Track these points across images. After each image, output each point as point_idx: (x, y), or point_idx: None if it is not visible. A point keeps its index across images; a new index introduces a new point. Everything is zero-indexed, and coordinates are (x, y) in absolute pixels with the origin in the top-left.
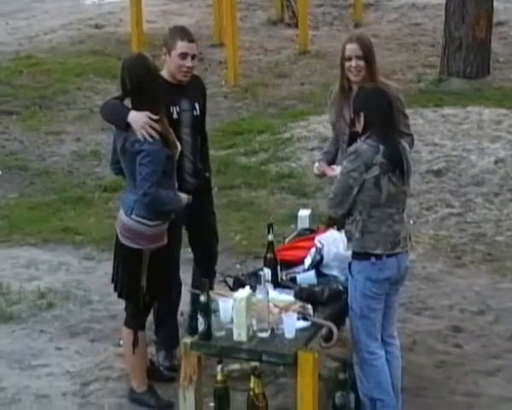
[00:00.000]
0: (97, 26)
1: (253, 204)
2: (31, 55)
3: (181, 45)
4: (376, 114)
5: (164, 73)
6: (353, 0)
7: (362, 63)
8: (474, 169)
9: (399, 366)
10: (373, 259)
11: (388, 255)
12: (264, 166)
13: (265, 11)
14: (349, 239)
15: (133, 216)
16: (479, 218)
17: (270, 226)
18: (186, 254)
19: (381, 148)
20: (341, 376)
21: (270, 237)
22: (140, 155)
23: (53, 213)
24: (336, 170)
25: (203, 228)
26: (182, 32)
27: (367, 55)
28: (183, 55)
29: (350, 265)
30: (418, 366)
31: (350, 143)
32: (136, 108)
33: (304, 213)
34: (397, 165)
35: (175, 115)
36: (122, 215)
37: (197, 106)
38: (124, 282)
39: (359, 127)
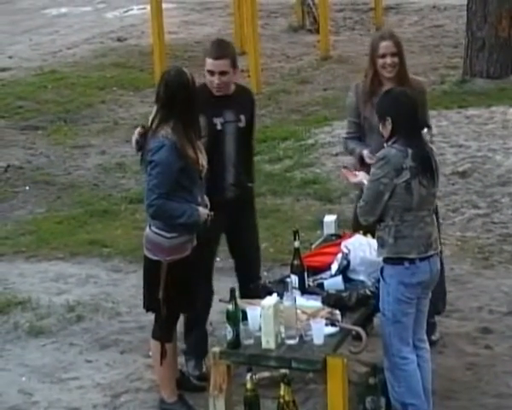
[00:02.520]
0: (119, 39)
1: (278, 211)
2: (55, 70)
3: (208, 62)
4: (403, 119)
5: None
6: (374, 4)
7: (396, 60)
8: (500, 169)
9: (430, 369)
10: (406, 263)
11: (421, 259)
12: (289, 172)
13: (286, 18)
14: (381, 245)
15: (153, 228)
16: (505, 218)
17: (296, 233)
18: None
19: (410, 151)
20: (371, 380)
21: (297, 243)
22: (150, 166)
23: (80, 226)
24: (359, 176)
25: (243, 238)
26: (211, 49)
27: (400, 51)
28: (210, 73)
29: (382, 270)
30: (448, 368)
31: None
32: (165, 118)
33: (329, 218)
34: (426, 167)
35: (219, 127)
36: (146, 228)
37: (243, 117)
38: (144, 294)
39: (385, 132)
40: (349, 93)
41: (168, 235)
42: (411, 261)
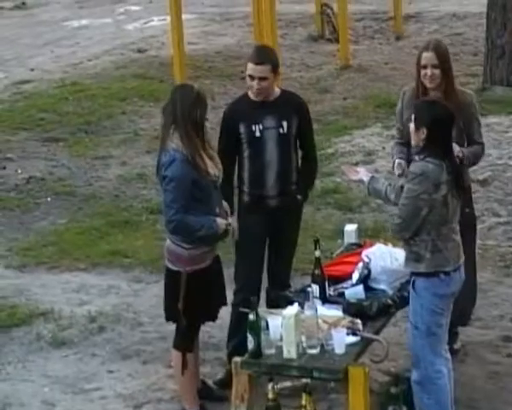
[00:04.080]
0: (140, 51)
1: None
2: (76, 82)
3: (249, 67)
4: (440, 131)
5: (250, 92)
6: (394, 12)
7: (437, 72)
8: None
9: (452, 378)
10: (442, 275)
11: (454, 270)
12: None
13: (306, 27)
14: (416, 260)
15: (173, 239)
16: None
17: (316, 242)
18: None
19: (444, 165)
20: (393, 390)
21: (317, 252)
22: (165, 181)
23: (101, 237)
24: (359, 173)
25: (282, 247)
26: (253, 54)
27: (443, 63)
28: (251, 77)
29: (413, 283)
30: (470, 377)
31: None
32: (171, 131)
33: (350, 227)
34: (458, 179)
35: (257, 133)
36: (167, 240)
37: (285, 124)
38: (165, 304)
39: (417, 139)
40: (398, 104)
41: (187, 246)
42: (446, 273)
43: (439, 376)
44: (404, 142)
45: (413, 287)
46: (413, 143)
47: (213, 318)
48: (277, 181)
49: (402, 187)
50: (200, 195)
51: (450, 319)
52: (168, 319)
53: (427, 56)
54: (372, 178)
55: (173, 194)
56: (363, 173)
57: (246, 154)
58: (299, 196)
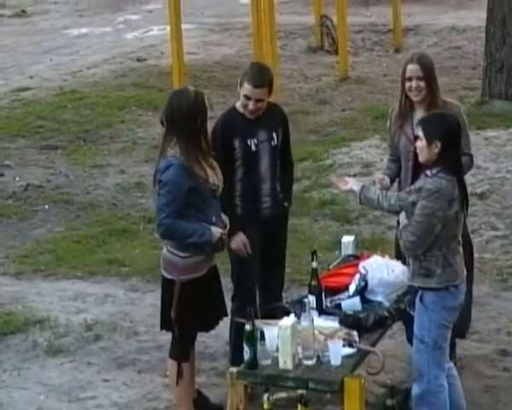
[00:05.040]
0: (139, 60)
1: (296, 231)
2: (75, 90)
3: (246, 88)
4: (454, 143)
5: (239, 107)
6: (393, 25)
7: (422, 84)
8: None
9: (460, 385)
10: (452, 288)
11: (461, 282)
12: (307, 193)
13: (305, 39)
14: (427, 275)
15: (168, 247)
16: None
17: (313, 253)
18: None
19: (455, 180)
20: (389, 402)
21: (315, 264)
22: (159, 185)
23: (98, 245)
24: (349, 183)
25: (275, 257)
26: (251, 75)
27: (427, 75)
28: (247, 98)
29: (421, 297)
30: (466, 390)
31: (416, 160)
32: (170, 138)
33: (347, 239)
34: (466, 194)
35: (253, 148)
36: (164, 249)
37: (275, 136)
38: (160, 312)
39: (427, 154)
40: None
41: (182, 254)
42: (455, 286)
43: (442, 390)
44: (395, 158)
45: (421, 301)
46: (423, 159)
47: (208, 328)
48: (271, 193)
49: (414, 203)
50: (197, 202)
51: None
52: (162, 327)
53: (412, 68)
54: (363, 187)
55: (166, 198)
56: (352, 183)
57: (240, 168)
58: (285, 204)
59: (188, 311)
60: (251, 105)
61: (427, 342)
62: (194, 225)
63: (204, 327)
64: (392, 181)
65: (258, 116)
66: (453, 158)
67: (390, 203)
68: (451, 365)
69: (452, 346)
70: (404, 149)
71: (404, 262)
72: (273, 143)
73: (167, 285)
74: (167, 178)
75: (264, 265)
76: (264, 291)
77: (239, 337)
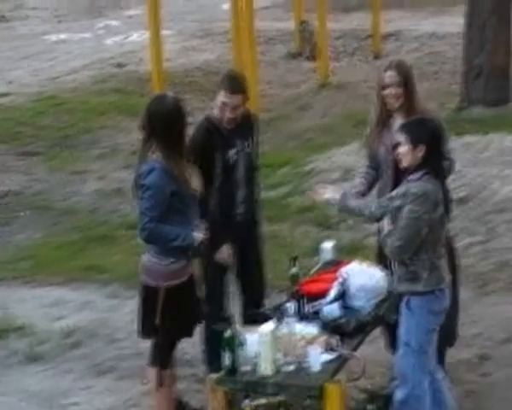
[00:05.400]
0: (119, 65)
1: (276, 237)
2: (54, 96)
3: (223, 95)
4: (437, 148)
5: (215, 116)
6: (372, 31)
7: (400, 90)
8: (497, 196)
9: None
10: (437, 292)
11: (447, 285)
12: (288, 198)
13: (285, 44)
14: (413, 279)
15: (150, 254)
16: (503, 245)
17: (294, 259)
18: None
19: (439, 183)
20: (369, 407)
21: (295, 269)
22: (142, 190)
23: (78, 251)
24: (326, 191)
25: (252, 263)
26: (227, 82)
27: (405, 81)
28: (224, 105)
29: (407, 302)
30: None
31: (395, 168)
32: (150, 143)
33: (327, 245)
34: (448, 197)
35: (232, 159)
36: (142, 255)
37: (250, 143)
38: (141, 320)
39: (415, 159)
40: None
41: (165, 261)
42: (441, 290)
43: (425, 395)
44: (373, 165)
45: (407, 306)
46: (406, 164)
47: (190, 333)
48: (245, 198)
49: (399, 208)
50: (179, 206)
51: (439, 340)
52: (145, 335)
53: (390, 75)
54: (343, 194)
55: (149, 202)
56: (331, 191)
57: (218, 177)
58: (257, 208)
59: (172, 317)
60: (229, 113)
61: (413, 347)
62: (176, 229)
63: (188, 332)
64: (369, 186)
65: (235, 125)
66: (436, 161)
67: (371, 211)
68: (439, 369)
69: (441, 354)
70: (384, 156)
71: (386, 268)
72: (248, 151)
73: (149, 292)
74: (150, 182)
75: (244, 272)
76: (247, 298)
77: (213, 342)
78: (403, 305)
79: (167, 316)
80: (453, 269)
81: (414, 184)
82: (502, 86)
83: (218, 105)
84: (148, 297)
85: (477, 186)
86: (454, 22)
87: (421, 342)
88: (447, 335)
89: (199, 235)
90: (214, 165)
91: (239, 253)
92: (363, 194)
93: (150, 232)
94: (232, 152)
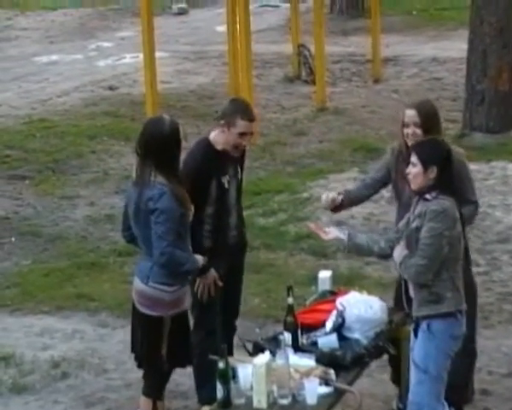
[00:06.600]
0: (111, 88)
1: (272, 266)
2: (44, 119)
3: (243, 125)
4: (449, 166)
5: (216, 142)
6: (372, 55)
7: (419, 131)
8: (500, 226)
9: None
10: (459, 315)
11: (465, 308)
12: (283, 226)
13: (282, 68)
14: (436, 301)
15: (150, 283)
16: (505, 276)
17: (289, 289)
18: None
19: (454, 202)
20: None
21: (290, 299)
22: (155, 214)
23: (67, 279)
24: (330, 232)
25: (236, 283)
26: (244, 111)
27: (425, 122)
28: (242, 135)
29: (429, 324)
30: None
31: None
32: (149, 167)
33: (324, 274)
34: (461, 217)
35: (226, 185)
36: (139, 284)
37: (239, 168)
38: (144, 351)
39: (426, 181)
40: (386, 155)
41: (170, 289)
42: (461, 312)
43: None
44: (373, 183)
45: (428, 329)
46: (416, 186)
47: (191, 362)
48: (236, 225)
49: (417, 228)
50: (181, 230)
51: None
52: (150, 367)
53: (409, 114)
54: (350, 234)
55: (165, 226)
56: (335, 231)
57: (211, 205)
58: (244, 229)
59: (177, 346)
60: (246, 141)
61: (431, 372)
62: (184, 253)
63: (189, 361)
64: (348, 204)
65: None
66: (449, 181)
67: (380, 247)
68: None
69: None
70: (408, 195)
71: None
72: (238, 177)
73: (153, 323)
74: (163, 206)
75: (227, 291)
76: (224, 322)
77: (205, 372)
78: (422, 329)
79: (173, 345)
80: (473, 310)
81: (432, 202)
82: (505, 113)
83: (237, 134)
84: (152, 328)
85: (479, 215)
86: (455, 47)
87: (439, 369)
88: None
89: (200, 258)
90: (208, 192)
91: (227, 275)
92: (350, 196)
93: (170, 256)
94: (225, 179)
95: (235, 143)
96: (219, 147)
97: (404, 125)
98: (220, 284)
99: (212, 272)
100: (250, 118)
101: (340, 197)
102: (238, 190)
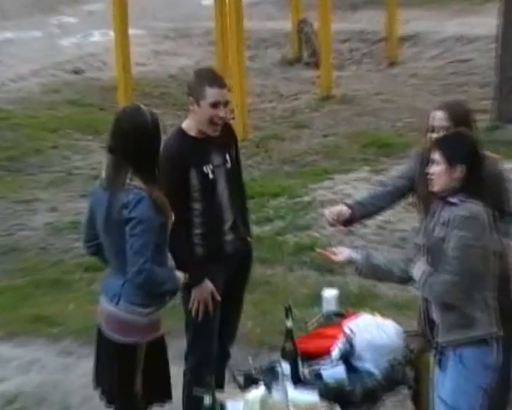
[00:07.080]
0: (76, 72)
1: (268, 283)
2: None
3: (212, 93)
4: (478, 168)
5: (189, 128)
6: (386, 33)
7: None
8: None
9: None
10: (492, 341)
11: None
12: (281, 236)
13: (280, 49)
14: (469, 325)
15: (121, 304)
16: None
17: (288, 310)
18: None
19: (485, 208)
20: None
21: (289, 323)
22: (130, 224)
23: (24, 299)
24: (342, 252)
25: (235, 302)
26: (212, 78)
27: (456, 128)
28: (215, 104)
29: (460, 353)
30: None
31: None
32: (121, 165)
33: (329, 293)
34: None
35: (210, 175)
36: (106, 305)
37: (228, 157)
38: (114, 385)
39: (451, 181)
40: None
41: (145, 311)
42: (495, 338)
43: None
44: (388, 190)
45: (459, 359)
46: (439, 187)
47: (170, 397)
48: (232, 225)
49: (443, 239)
50: (159, 241)
51: None
52: (121, 404)
53: (437, 117)
54: (365, 254)
55: (142, 239)
56: (347, 252)
57: (197, 202)
58: (249, 239)
59: (153, 377)
60: (221, 111)
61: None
62: (164, 270)
63: (168, 396)
64: (359, 217)
65: (210, 138)
66: (478, 184)
67: (400, 268)
68: None
69: None
70: (422, 195)
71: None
72: (228, 166)
73: (123, 352)
74: (141, 215)
75: (224, 310)
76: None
77: (196, 406)
78: (449, 358)
79: (148, 376)
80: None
81: (460, 207)
82: None
83: (208, 105)
84: (123, 359)
85: None
86: (485, 23)
87: (473, 405)
88: None
89: (180, 275)
90: (189, 184)
91: (224, 290)
92: (361, 208)
93: (148, 274)
94: (208, 168)
95: (209, 117)
96: (194, 132)
97: (431, 129)
98: (218, 298)
99: (208, 284)
100: (220, 84)
101: (348, 211)
102: (231, 183)
